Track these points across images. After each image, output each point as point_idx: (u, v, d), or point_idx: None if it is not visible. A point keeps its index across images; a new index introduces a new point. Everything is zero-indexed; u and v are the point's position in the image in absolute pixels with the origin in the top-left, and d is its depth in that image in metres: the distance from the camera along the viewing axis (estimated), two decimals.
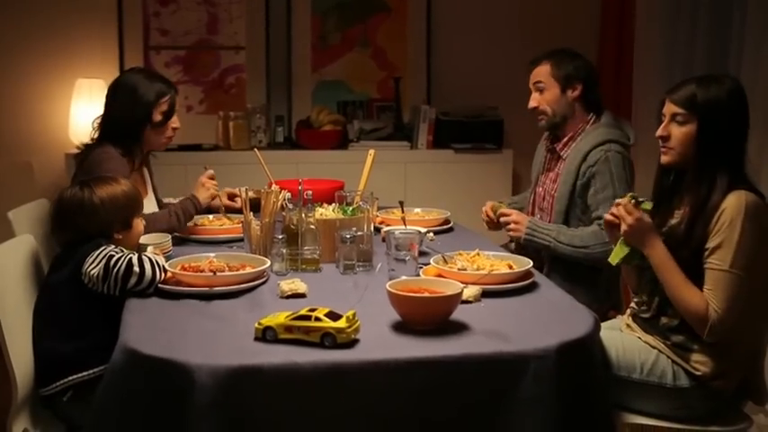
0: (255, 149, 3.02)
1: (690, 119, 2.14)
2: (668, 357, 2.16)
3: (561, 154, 2.93)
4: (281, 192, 2.53)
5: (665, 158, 2.21)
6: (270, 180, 2.91)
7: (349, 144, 4.32)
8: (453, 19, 4.56)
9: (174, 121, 2.83)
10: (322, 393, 1.67)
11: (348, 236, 2.32)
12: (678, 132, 2.16)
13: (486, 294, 2.10)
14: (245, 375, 1.65)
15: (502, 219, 2.85)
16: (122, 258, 2.13)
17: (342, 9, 4.53)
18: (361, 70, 4.56)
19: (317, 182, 3.08)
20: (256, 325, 1.80)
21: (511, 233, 2.85)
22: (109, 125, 2.77)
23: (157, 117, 2.76)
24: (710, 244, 2.07)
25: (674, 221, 2.21)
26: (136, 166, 2.80)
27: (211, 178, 2.86)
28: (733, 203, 2.05)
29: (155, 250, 2.36)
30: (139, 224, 2.37)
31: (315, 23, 4.51)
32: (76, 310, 2.16)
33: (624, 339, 2.23)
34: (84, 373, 2.11)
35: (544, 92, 2.90)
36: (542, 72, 2.91)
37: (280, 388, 1.66)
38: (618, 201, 2.20)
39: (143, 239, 2.42)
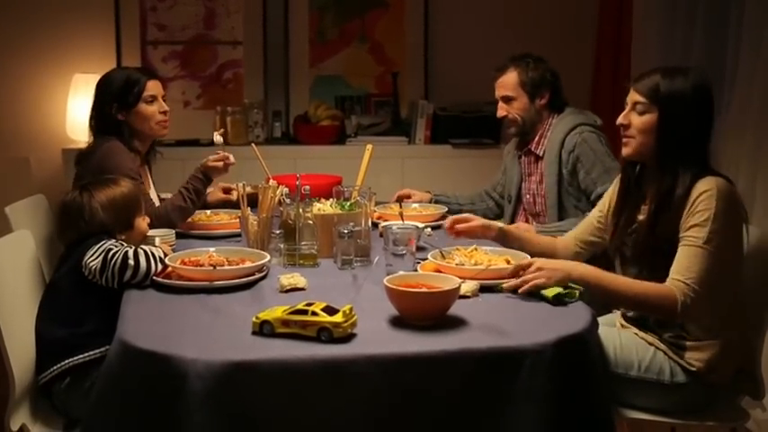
0: (253, 145, 3.02)
1: (650, 108, 2.14)
2: (665, 353, 2.16)
3: (538, 153, 2.96)
4: (278, 187, 2.53)
5: (625, 150, 2.21)
6: (267, 175, 2.90)
7: (347, 139, 4.31)
8: (451, 14, 4.55)
9: (161, 107, 2.82)
10: (318, 388, 1.67)
11: (346, 231, 2.32)
12: (638, 121, 2.16)
13: (483, 289, 2.10)
14: (242, 370, 1.64)
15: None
16: (119, 252, 2.14)
17: (339, 4, 4.52)
18: (359, 65, 4.56)
19: (315, 177, 3.08)
20: (254, 319, 1.80)
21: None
22: (98, 125, 2.80)
23: (129, 100, 2.77)
24: (686, 225, 2.06)
25: (641, 217, 2.21)
26: (140, 161, 2.83)
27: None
28: (705, 189, 2.05)
29: (161, 243, 2.37)
30: (142, 223, 2.39)
31: (312, 18, 4.50)
32: (77, 298, 2.18)
33: (622, 336, 2.23)
34: (80, 356, 2.11)
35: (512, 102, 2.95)
36: (509, 83, 2.94)
37: (276, 382, 1.65)
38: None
39: (151, 232, 2.44)
